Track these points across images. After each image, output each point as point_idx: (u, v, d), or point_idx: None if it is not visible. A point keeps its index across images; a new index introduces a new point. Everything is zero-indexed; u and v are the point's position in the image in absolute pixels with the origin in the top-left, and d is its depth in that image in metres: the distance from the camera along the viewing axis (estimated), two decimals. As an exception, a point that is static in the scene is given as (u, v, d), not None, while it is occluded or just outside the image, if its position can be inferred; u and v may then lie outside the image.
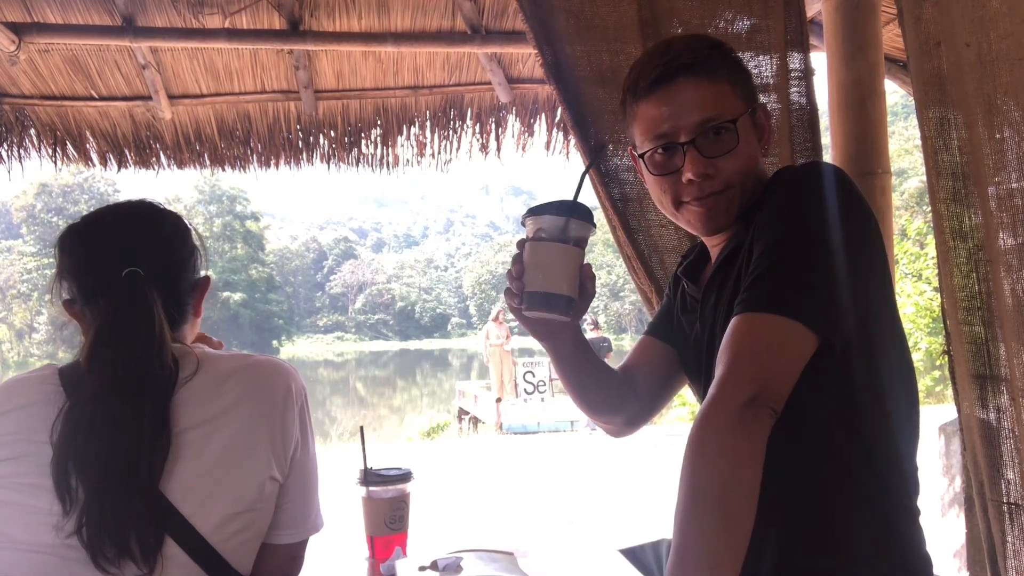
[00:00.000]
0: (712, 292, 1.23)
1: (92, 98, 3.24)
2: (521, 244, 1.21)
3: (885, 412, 1.15)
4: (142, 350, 1.04)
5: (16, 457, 1.02)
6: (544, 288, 1.15)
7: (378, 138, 3.45)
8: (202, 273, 1.24)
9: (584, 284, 1.21)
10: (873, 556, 1.11)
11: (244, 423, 1.08)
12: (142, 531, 0.99)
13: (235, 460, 1.07)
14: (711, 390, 0.97)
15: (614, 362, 1.57)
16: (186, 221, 1.25)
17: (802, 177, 1.10)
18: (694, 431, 0.95)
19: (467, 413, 14.53)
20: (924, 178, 1.35)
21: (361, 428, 1.58)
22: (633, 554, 1.58)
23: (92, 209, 1.23)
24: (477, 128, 3.46)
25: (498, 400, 12.63)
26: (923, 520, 1.19)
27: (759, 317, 1.00)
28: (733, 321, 1.01)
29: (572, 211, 1.15)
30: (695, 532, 0.92)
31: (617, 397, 1.44)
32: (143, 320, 1.06)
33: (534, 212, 1.18)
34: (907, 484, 1.18)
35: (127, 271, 1.09)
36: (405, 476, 1.44)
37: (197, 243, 1.24)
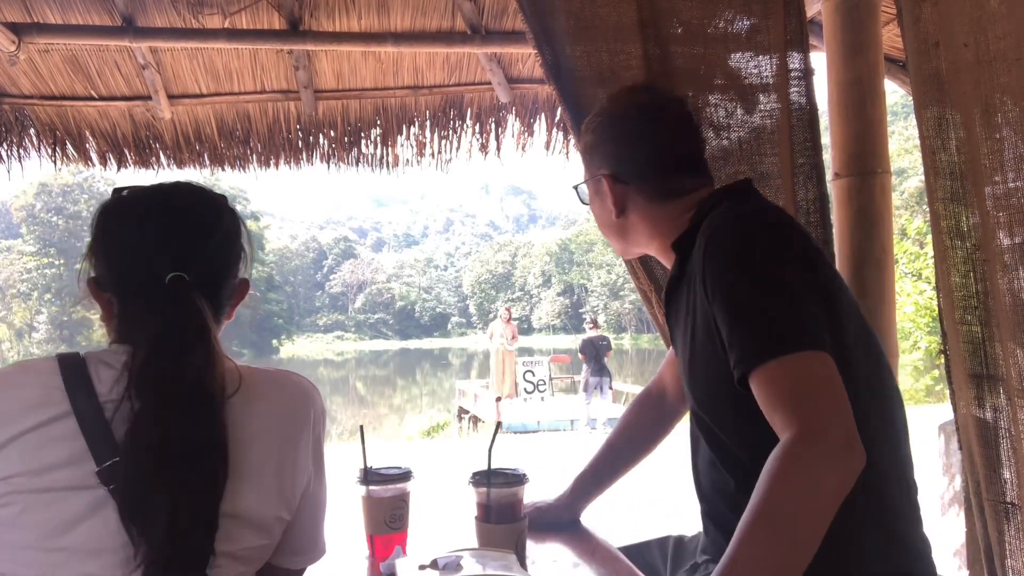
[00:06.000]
0: (672, 316, 1.37)
1: (92, 98, 3.24)
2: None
3: (884, 418, 1.16)
4: (199, 370, 0.95)
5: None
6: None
7: (378, 138, 3.45)
8: (243, 275, 1.13)
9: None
10: (876, 565, 1.12)
11: (259, 457, 1.00)
12: (202, 559, 0.92)
13: (246, 502, 0.97)
14: (795, 429, 0.96)
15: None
16: (239, 215, 1.14)
17: (728, 230, 1.14)
18: (784, 462, 0.95)
19: (467, 412, 14.53)
20: (923, 178, 1.35)
21: (361, 427, 1.58)
22: (634, 552, 1.59)
23: (89, 207, 1.11)
24: (477, 128, 3.46)
25: (498, 399, 12.64)
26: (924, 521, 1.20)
27: (782, 362, 1.01)
28: (758, 376, 1.02)
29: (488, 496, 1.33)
30: (758, 553, 0.92)
31: (658, 434, 1.70)
32: (199, 339, 0.97)
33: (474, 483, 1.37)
34: (908, 488, 1.19)
35: (172, 276, 0.99)
36: (405, 475, 1.44)
37: (245, 244, 1.13)
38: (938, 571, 1.19)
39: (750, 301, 1.06)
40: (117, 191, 1.08)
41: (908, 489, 1.19)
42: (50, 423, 0.92)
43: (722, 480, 1.24)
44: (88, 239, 1.07)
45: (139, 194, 1.08)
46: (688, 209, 1.29)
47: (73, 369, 0.95)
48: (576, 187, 1.48)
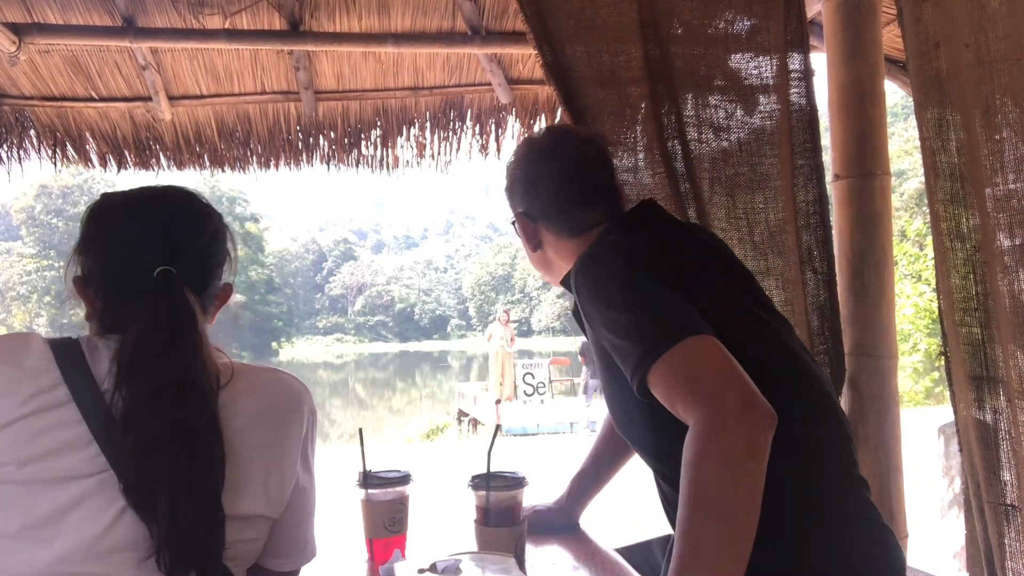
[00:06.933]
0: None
1: (92, 99, 3.24)
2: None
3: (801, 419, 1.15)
4: (188, 360, 0.96)
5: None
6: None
7: (378, 139, 3.45)
8: (225, 280, 1.16)
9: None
10: (829, 565, 1.12)
11: (245, 452, 1.00)
12: (214, 549, 0.94)
13: (228, 496, 0.97)
14: (695, 411, 0.99)
15: None
16: (225, 223, 1.16)
17: (583, 268, 1.25)
18: (693, 444, 0.98)
19: (466, 415, 14.52)
20: (923, 179, 1.35)
21: (360, 430, 1.58)
22: (635, 551, 1.59)
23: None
24: (477, 129, 3.45)
25: (497, 402, 12.63)
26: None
27: (665, 359, 1.05)
28: (652, 380, 1.06)
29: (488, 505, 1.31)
30: (696, 538, 0.94)
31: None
32: (188, 327, 0.99)
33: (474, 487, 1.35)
34: (850, 488, 1.19)
35: (160, 271, 1.00)
36: (404, 478, 1.44)
37: (230, 249, 1.15)
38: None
39: (619, 321, 1.13)
40: (106, 195, 1.10)
41: (839, 480, 1.19)
42: (48, 410, 0.92)
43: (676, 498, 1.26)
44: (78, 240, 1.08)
45: (130, 194, 1.10)
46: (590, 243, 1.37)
47: (68, 354, 0.96)
48: (512, 221, 1.57)
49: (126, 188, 1.12)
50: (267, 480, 1.03)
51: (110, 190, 1.12)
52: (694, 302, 1.13)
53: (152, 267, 1.00)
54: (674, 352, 1.04)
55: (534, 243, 1.48)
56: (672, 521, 1.33)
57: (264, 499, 1.02)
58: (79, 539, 0.90)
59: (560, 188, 1.43)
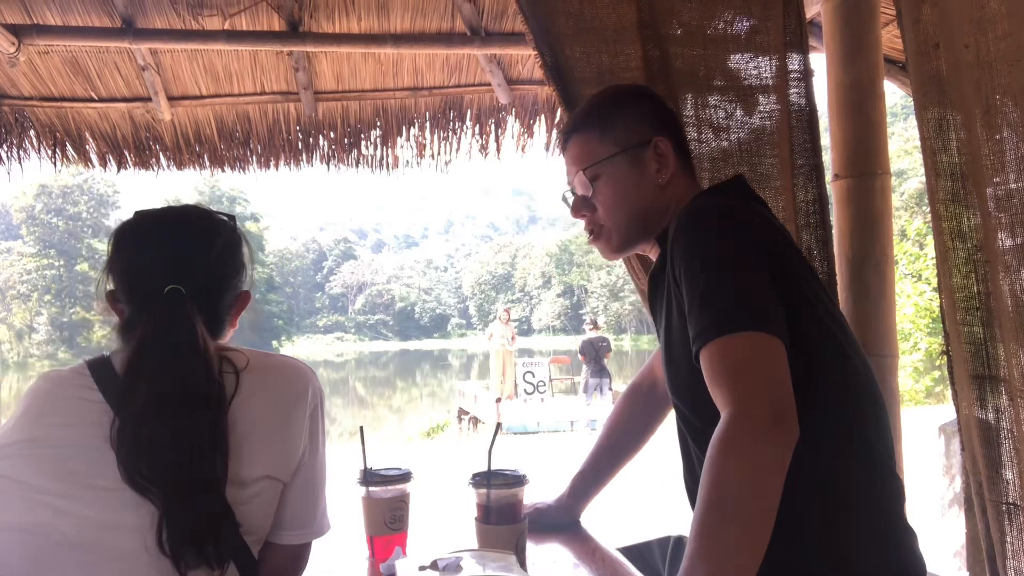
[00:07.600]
0: (654, 308, 1.37)
1: (92, 99, 3.24)
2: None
3: (860, 416, 1.16)
4: (187, 371, 1.05)
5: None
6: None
7: (378, 139, 3.45)
8: (243, 287, 1.23)
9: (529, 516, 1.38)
10: (866, 563, 1.12)
11: (251, 420, 1.08)
12: (216, 538, 1.02)
13: (236, 460, 1.06)
14: (729, 408, 0.99)
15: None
16: (240, 233, 1.24)
17: (689, 219, 1.18)
18: (720, 444, 0.98)
19: (467, 413, 14.52)
20: (924, 179, 1.35)
21: (361, 428, 1.58)
22: (635, 552, 1.59)
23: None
24: (477, 129, 3.46)
25: (498, 400, 12.64)
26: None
27: (724, 341, 1.04)
28: (704, 354, 1.06)
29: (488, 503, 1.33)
30: (712, 540, 0.94)
31: (650, 425, 1.70)
32: (186, 342, 1.07)
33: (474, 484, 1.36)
34: (893, 486, 1.18)
35: (169, 288, 1.09)
36: (405, 476, 1.44)
37: (245, 259, 1.23)
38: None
39: (704, 284, 1.10)
40: (134, 216, 1.20)
41: (886, 478, 1.19)
42: (80, 397, 1.05)
43: (696, 462, 1.25)
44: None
45: (147, 216, 1.19)
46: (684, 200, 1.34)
47: (99, 362, 1.10)
48: (588, 168, 1.36)
49: (148, 209, 1.21)
50: (272, 442, 1.10)
51: (141, 209, 1.22)
52: (794, 285, 1.12)
53: (162, 286, 1.10)
54: (733, 339, 1.03)
55: (673, 167, 1.35)
56: (687, 484, 1.33)
57: (271, 460, 1.10)
58: (102, 493, 1.01)
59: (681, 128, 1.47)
